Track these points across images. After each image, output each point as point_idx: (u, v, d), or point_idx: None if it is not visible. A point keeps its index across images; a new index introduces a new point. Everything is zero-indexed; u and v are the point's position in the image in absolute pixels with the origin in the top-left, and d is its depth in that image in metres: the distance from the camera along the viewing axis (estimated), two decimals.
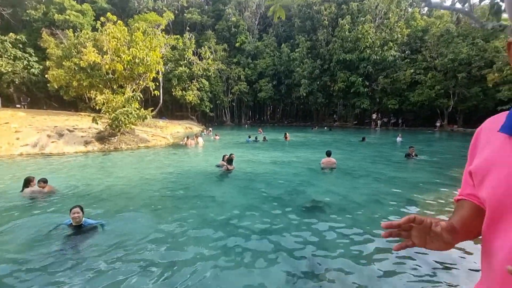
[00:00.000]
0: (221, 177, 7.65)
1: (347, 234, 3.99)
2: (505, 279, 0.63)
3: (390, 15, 29.08)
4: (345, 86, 30.62)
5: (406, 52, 29.14)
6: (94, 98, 13.78)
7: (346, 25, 29.47)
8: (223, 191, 6.33)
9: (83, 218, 3.93)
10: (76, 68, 15.02)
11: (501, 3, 3.44)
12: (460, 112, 27.46)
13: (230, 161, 8.11)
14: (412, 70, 27.82)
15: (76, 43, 16.64)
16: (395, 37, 28.52)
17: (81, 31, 18.32)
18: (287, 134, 18.02)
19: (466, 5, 3.03)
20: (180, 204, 5.34)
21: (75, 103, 26.79)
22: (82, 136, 12.85)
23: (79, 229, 3.87)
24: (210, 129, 21.62)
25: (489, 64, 22.54)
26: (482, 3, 3.62)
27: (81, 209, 3.90)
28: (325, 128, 29.29)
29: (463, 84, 25.23)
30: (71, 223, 3.85)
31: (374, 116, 31.87)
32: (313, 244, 3.74)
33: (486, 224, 0.70)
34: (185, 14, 35.09)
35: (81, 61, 14.64)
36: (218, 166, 8.53)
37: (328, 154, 8.28)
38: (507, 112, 0.72)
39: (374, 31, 28.99)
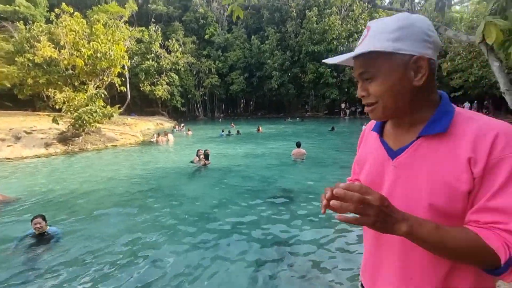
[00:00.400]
0: (194, 174, 7.66)
1: (315, 221, 4.29)
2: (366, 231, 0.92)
3: (355, 7, 30.14)
4: (315, 77, 31.44)
5: None
6: (53, 97, 12.86)
7: (313, 17, 30.06)
8: (195, 187, 6.39)
9: (47, 227, 3.81)
10: (30, 64, 13.86)
11: (445, 1, 3.81)
12: None
13: (206, 156, 8.19)
14: None
15: (29, 36, 15.27)
16: (360, 28, 29.69)
17: (33, 23, 16.82)
18: (260, 127, 18.29)
19: (405, 7, 3.34)
20: (152, 203, 5.32)
21: (32, 102, 24.70)
22: (42, 138, 12.01)
23: (43, 238, 3.74)
24: (183, 124, 21.14)
25: (443, 54, 24.41)
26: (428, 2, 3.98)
27: (43, 218, 3.77)
28: (297, 119, 30.00)
29: None
30: (34, 233, 3.72)
31: (343, 105, 33.18)
32: (283, 232, 3.98)
33: None
34: (149, 5, 33.45)
35: (36, 57, 13.54)
36: (192, 162, 8.52)
37: (298, 145, 8.61)
38: None
39: (340, 23, 29.91)
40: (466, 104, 26.40)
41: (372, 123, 0.92)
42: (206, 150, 8.62)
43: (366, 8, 30.99)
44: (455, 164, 0.67)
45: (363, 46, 0.73)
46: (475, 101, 25.22)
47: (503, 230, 0.63)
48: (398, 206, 0.67)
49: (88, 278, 3.00)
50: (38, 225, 3.67)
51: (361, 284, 0.99)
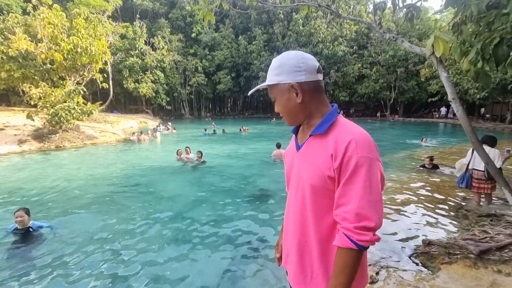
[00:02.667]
0: (174, 173, 7.65)
1: None
2: (286, 212, 1.18)
3: (340, 12, 30.80)
4: None
5: (354, 47, 31.25)
6: (29, 92, 12.36)
7: (300, 20, 30.48)
8: (173, 186, 6.39)
9: (30, 221, 3.71)
10: (4, 57, 13.25)
11: (413, 12, 4.04)
12: (400, 103, 30.65)
13: (201, 153, 8.63)
14: (359, 65, 30.08)
15: (3, 28, 14.58)
16: (344, 33, 30.39)
17: (8, 14, 16.08)
18: (243, 127, 18.38)
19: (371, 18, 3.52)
20: (128, 201, 5.29)
21: (6, 96, 23.58)
22: (15, 135, 11.54)
23: (27, 233, 3.67)
24: (169, 123, 20.64)
25: (422, 60, 25.45)
26: (402, 12, 4.20)
27: (26, 211, 3.66)
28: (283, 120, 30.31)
29: (402, 78, 28.13)
30: (17, 228, 3.64)
31: None
32: (257, 229, 4.09)
33: (286, 183, 1.20)
34: (134, 0, 32.69)
35: (10, 49, 12.97)
36: (181, 160, 8.79)
37: (278, 146, 8.76)
38: None
39: (325, 27, 30.49)
40: (443, 109, 27.64)
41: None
42: (186, 147, 8.97)
43: (351, 13, 31.76)
44: (325, 156, 0.94)
45: (267, 78, 1.05)
46: (451, 106, 26.38)
47: (342, 218, 0.90)
48: (296, 185, 1.05)
49: (66, 276, 2.98)
50: (19, 219, 3.58)
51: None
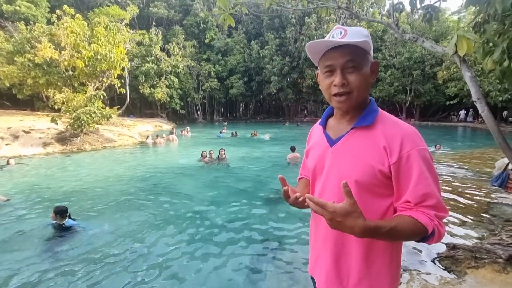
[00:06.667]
0: (191, 174, 7.79)
1: (305, 220, 4.41)
2: (314, 215, 1.08)
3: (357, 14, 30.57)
4: (314, 83, 31.72)
5: None
6: (53, 97, 12.97)
7: (313, 23, 30.48)
8: (192, 186, 6.50)
9: (65, 220, 3.99)
10: (31, 65, 14.01)
11: (432, 12, 4.00)
12: (416, 107, 29.86)
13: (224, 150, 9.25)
14: None
15: (30, 37, 15.42)
16: None
17: (34, 24, 17.00)
18: (255, 131, 18.40)
19: (388, 20, 3.51)
20: (147, 201, 5.44)
21: (31, 102, 24.74)
22: (40, 138, 12.10)
23: (61, 229, 3.98)
24: (188, 128, 20.87)
25: (440, 62, 24.79)
26: (418, 13, 4.17)
27: (56, 213, 3.95)
28: (298, 124, 30.22)
29: (418, 81, 27.45)
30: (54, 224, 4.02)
31: None
32: (276, 230, 4.11)
33: (310, 182, 1.10)
34: (150, 8, 33.72)
35: (36, 57, 13.69)
36: (201, 160, 9.18)
37: (293, 149, 8.76)
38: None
39: None
40: (462, 112, 26.71)
41: (320, 119, 1.12)
42: (210, 151, 9.37)
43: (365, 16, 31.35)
44: (375, 150, 0.88)
45: (350, 38, 0.85)
46: (471, 109, 25.47)
47: (426, 206, 0.83)
48: (333, 183, 0.94)
49: (88, 273, 3.11)
50: (52, 219, 3.97)
51: (312, 279, 1.15)
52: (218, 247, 3.65)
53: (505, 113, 23.99)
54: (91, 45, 14.05)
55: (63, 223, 3.93)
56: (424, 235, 0.82)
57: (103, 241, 3.83)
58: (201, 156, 9.28)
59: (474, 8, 2.63)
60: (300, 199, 0.94)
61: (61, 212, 3.95)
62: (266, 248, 3.61)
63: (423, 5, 3.55)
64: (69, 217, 4.05)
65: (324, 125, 1.06)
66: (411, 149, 0.83)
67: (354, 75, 0.87)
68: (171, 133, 16.11)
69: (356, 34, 0.87)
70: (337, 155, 0.95)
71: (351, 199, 0.74)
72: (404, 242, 0.97)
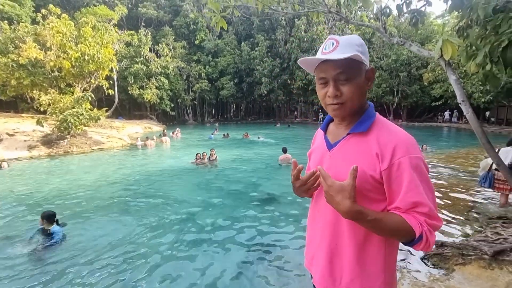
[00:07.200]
0: (182, 176, 7.72)
1: (299, 222, 4.45)
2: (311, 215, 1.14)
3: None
4: (304, 84, 32.03)
5: None
6: (38, 98, 12.59)
7: (302, 25, 30.80)
8: (182, 189, 6.45)
9: (53, 225, 3.89)
10: (14, 65, 13.55)
11: (417, 17, 4.11)
12: (403, 108, 30.59)
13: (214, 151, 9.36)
14: None
15: (13, 37, 14.93)
16: None
17: (18, 23, 16.49)
18: (247, 133, 18.41)
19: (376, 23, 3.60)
20: (140, 204, 5.35)
21: (14, 103, 23.97)
22: (25, 140, 11.72)
23: (46, 235, 3.88)
24: (178, 129, 20.64)
25: (425, 64, 25.49)
26: (405, 17, 4.29)
27: (43, 218, 3.87)
28: (288, 125, 30.40)
29: (404, 83, 28.13)
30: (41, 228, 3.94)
31: None
32: (266, 232, 4.12)
33: None
34: (139, 9, 33.28)
35: (20, 58, 13.27)
36: (194, 162, 9.13)
37: (284, 150, 8.81)
38: None
39: (327, 32, 30.76)
40: (446, 113, 27.54)
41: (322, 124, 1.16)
42: (203, 153, 9.41)
43: (353, 18, 31.98)
44: (368, 156, 0.90)
45: (341, 52, 0.87)
46: (455, 110, 26.28)
47: (417, 213, 0.85)
48: None
49: (75, 278, 3.04)
50: (40, 221, 3.91)
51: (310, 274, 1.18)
52: (210, 249, 3.63)
53: (487, 113, 24.89)
54: (78, 45, 13.73)
55: (49, 229, 3.83)
56: (412, 239, 0.84)
57: (91, 245, 3.75)
58: (195, 158, 9.23)
59: (457, 13, 2.74)
60: (315, 174, 1.00)
61: (49, 217, 3.85)
62: (258, 249, 3.62)
63: (409, 9, 3.66)
64: (57, 223, 3.95)
65: (325, 129, 1.11)
66: (402, 156, 0.84)
67: (347, 86, 0.89)
68: (164, 134, 15.95)
69: (348, 45, 0.88)
70: (333, 159, 1.00)
71: (351, 182, 0.81)
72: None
